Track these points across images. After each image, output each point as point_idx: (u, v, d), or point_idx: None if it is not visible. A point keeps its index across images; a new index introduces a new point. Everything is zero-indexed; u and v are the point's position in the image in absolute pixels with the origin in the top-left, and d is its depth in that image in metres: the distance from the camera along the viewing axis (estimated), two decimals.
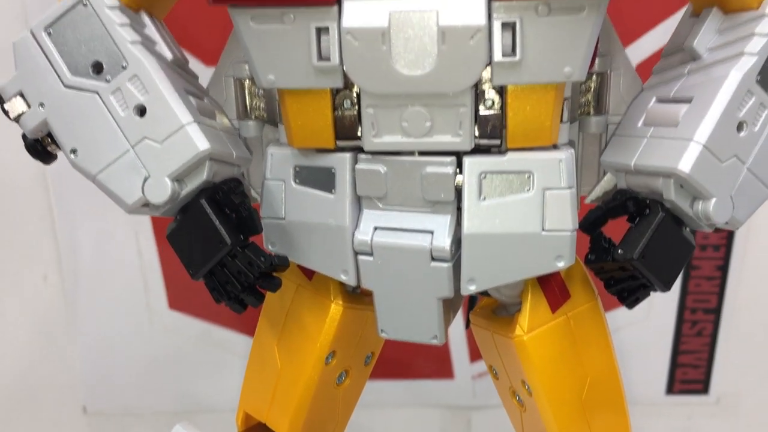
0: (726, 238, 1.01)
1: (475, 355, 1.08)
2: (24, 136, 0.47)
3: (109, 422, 1.07)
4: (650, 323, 1.03)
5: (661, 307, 1.03)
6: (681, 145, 0.41)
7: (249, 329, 1.07)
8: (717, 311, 1.03)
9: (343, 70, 0.42)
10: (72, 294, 1.04)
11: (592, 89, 0.49)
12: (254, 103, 0.50)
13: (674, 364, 1.06)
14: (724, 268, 1.00)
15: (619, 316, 1.02)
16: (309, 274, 0.51)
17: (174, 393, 1.08)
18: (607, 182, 0.48)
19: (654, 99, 0.46)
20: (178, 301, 1.05)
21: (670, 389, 1.07)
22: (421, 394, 1.09)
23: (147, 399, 1.08)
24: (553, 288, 0.47)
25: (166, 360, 1.06)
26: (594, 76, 0.48)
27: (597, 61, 0.48)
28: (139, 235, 1.03)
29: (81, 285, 1.03)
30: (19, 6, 0.91)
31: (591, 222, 0.46)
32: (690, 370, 1.06)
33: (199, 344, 1.06)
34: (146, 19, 0.46)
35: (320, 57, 0.41)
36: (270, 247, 0.49)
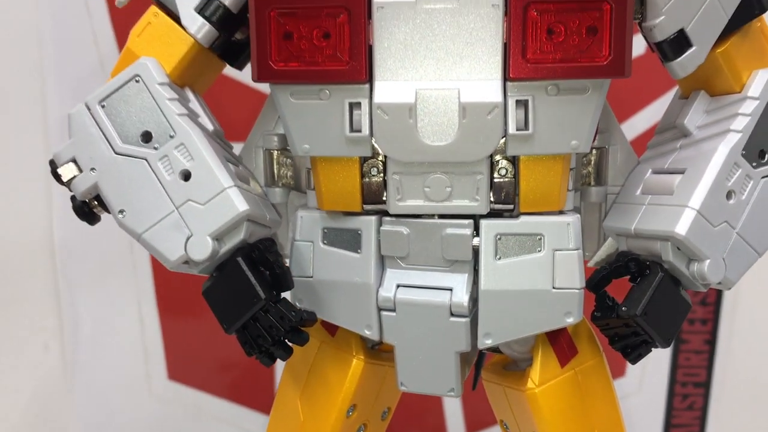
0: (713, 313, 1.02)
1: (473, 425, 1.07)
2: (73, 198, 0.50)
3: None
4: (643, 396, 1.05)
5: (652, 380, 1.04)
6: (677, 211, 0.45)
7: (245, 401, 1.07)
8: (707, 385, 1.05)
9: (373, 141, 0.46)
10: (72, 363, 1.04)
11: (592, 162, 0.53)
12: (282, 171, 0.54)
13: None
14: (712, 342, 1.03)
15: (616, 388, 1.10)
16: (332, 330, 0.54)
17: None
18: (608, 247, 0.52)
19: (650, 170, 0.50)
20: (177, 371, 1.05)
21: None
22: None
23: None
24: (561, 344, 0.50)
25: (163, 430, 1.06)
26: (594, 151, 0.53)
27: (597, 137, 0.51)
28: (141, 305, 1.04)
29: (81, 354, 1.04)
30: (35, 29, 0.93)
31: (596, 282, 0.49)
32: None
33: (197, 415, 1.06)
34: (190, 94, 0.50)
35: (352, 129, 0.45)
36: (298, 303, 0.52)
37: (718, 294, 1.02)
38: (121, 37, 0.92)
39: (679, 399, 1.06)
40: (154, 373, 1.05)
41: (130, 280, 1.03)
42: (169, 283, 1.04)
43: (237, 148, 0.57)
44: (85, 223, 0.98)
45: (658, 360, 1.04)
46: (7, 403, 1.05)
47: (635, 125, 0.92)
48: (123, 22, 0.95)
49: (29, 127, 0.97)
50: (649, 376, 1.04)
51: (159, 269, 1.03)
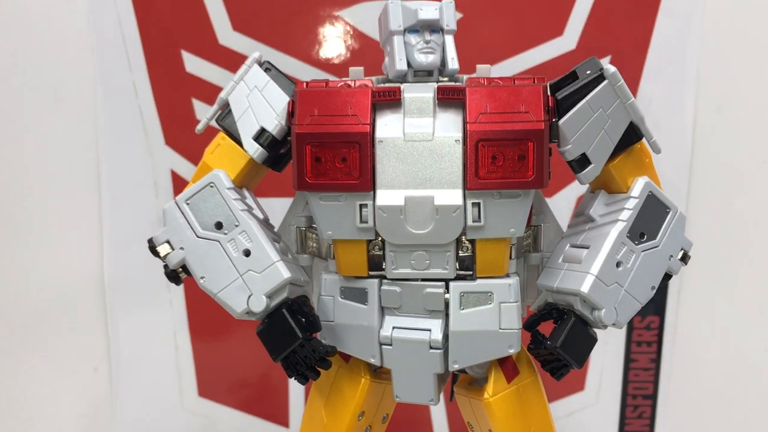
0: (657, 336, 1.13)
1: (456, 430, 1.18)
2: (165, 267, 0.62)
3: None
4: (599, 407, 1.16)
5: (607, 394, 1.16)
6: (583, 276, 0.59)
7: (262, 413, 1.17)
8: (653, 397, 1.16)
9: (375, 229, 0.59)
10: (117, 382, 1.13)
11: (531, 236, 0.65)
12: (308, 243, 0.66)
13: None
14: (657, 361, 1.15)
15: (575, 401, 1.16)
16: (347, 358, 0.65)
17: None
18: (543, 296, 0.65)
19: (568, 244, 0.63)
20: (207, 389, 1.15)
21: None
22: None
23: None
24: (508, 366, 0.63)
25: None
26: (533, 228, 0.65)
27: (534, 218, 0.65)
28: (176, 333, 1.13)
29: (124, 375, 1.13)
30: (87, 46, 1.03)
31: (530, 323, 0.62)
32: None
33: (225, 427, 1.16)
34: (246, 193, 0.63)
35: (361, 221, 0.58)
36: (323, 340, 0.63)
37: (661, 322, 1.13)
38: (156, 89, 1.05)
39: (631, 409, 1.17)
40: (186, 390, 1.15)
41: (167, 311, 1.12)
42: (199, 314, 1.12)
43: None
44: (129, 263, 1.12)
45: (612, 377, 1.16)
46: (63, 417, 1.15)
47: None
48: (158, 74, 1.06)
49: (83, 173, 1.06)
50: (605, 390, 1.17)
51: (191, 303, 1.12)
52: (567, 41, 1.07)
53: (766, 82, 1.09)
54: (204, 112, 1.04)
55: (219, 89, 0.99)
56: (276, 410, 1.17)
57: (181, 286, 1.08)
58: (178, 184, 1.10)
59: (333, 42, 1.06)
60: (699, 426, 1.18)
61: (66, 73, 1.04)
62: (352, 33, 1.06)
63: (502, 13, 1.05)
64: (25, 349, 1.12)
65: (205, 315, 1.13)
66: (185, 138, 1.08)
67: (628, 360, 1.15)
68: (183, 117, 1.07)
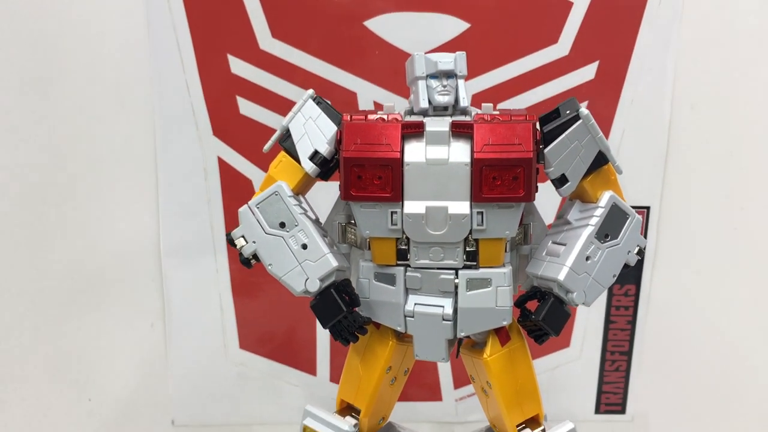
0: (633, 303, 1.27)
1: (457, 383, 1.30)
2: (240, 255, 0.74)
3: None
4: (581, 362, 1.30)
5: (589, 350, 1.30)
6: (560, 266, 0.71)
7: (297, 364, 1.29)
8: (629, 353, 1.31)
9: (403, 230, 0.71)
10: (170, 337, 1.25)
11: (522, 232, 0.77)
12: (348, 236, 0.77)
13: (600, 391, 1.32)
14: (632, 323, 1.29)
15: (562, 355, 1.30)
16: (378, 326, 0.77)
17: (243, 411, 1.29)
18: (530, 280, 0.76)
19: (550, 241, 0.74)
20: (246, 342, 1.27)
21: (597, 410, 1.32)
22: (417, 412, 1.29)
23: (221, 414, 1.29)
24: (502, 334, 0.75)
25: (236, 386, 1.28)
26: (524, 226, 0.76)
27: (524, 218, 0.77)
28: (221, 295, 1.25)
29: (176, 330, 1.25)
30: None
31: (520, 301, 0.74)
32: (611, 396, 1.32)
33: (262, 375, 1.28)
34: (302, 198, 0.75)
35: (392, 224, 0.71)
36: (361, 312, 0.74)
37: (637, 290, 1.27)
38: (205, 87, 1.16)
39: (609, 363, 1.31)
40: (229, 343, 1.27)
41: (213, 276, 1.23)
42: (241, 278, 1.23)
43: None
44: (182, 232, 1.24)
45: (594, 336, 1.30)
46: (123, 367, 1.27)
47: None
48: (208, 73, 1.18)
49: (143, 159, 1.17)
50: (587, 347, 1.31)
51: (234, 269, 1.24)
52: (561, 48, 1.20)
53: (733, 84, 1.21)
54: (246, 108, 1.20)
55: (260, 88, 1.16)
56: (305, 360, 1.29)
57: (225, 255, 1.22)
58: (224, 168, 1.22)
59: (358, 48, 1.17)
60: (666, 377, 1.30)
61: (129, 74, 1.15)
62: (375, 41, 1.17)
63: (504, 23, 1.17)
64: (90, 308, 1.23)
65: (245, 280, 1.23)
66: (230, 130, 1.20)
67: (608, 321, 1.29)
68: (228, 111, 1.19)
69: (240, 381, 1.28)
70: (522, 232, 0.78)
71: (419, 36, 1.17)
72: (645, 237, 1.24)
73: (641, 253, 0.78)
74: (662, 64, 1.20)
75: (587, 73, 1.20)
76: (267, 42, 1.17)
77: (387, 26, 1.17)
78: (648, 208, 1.26)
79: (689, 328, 1.31)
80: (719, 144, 1.24)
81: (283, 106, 1.18)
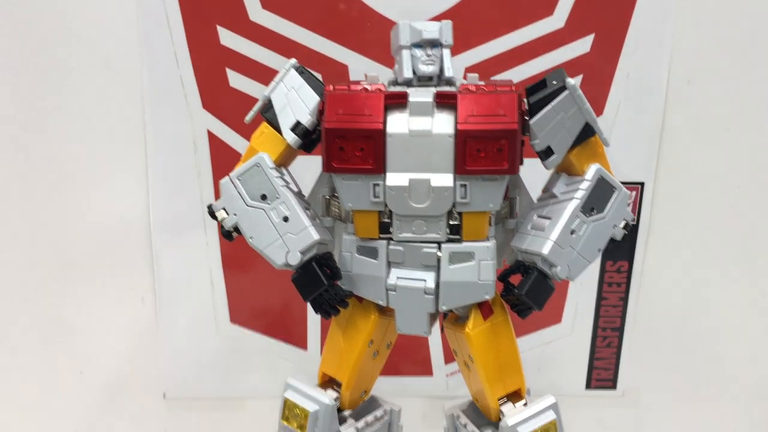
0: (626, 279, 1.27)
1: (448, 358, 1.30)
2: (221, 228, 0.73)
3: (183, 405, 1.30)
4: (574, 338, 1.31)
5: (581, 326, 1.31)
6: (544, 240, 0.71)
7: (289, 338, 1.29)
8: (621, 330, 1.31)
9: (385, 203, 0.70)
10: (160, 311, 1.25)
11: (508, 206, 0.76)
12: (332, 209, 0.77)
13: (591, 367, 1.33)
14: (624, 300, 1.29)
15: (553, 331, 1.30)
16: (360, 300, 0.77)
17: (233, 384, 1.30)
18: (515, 254, 0.75)
19: (536, 215, 0.74)
20: (237, 317, 1.27)
21: (589, 385, 1.33)
22: (408, 387, 1.30)
23: (212, 388, 1.30)
24: (485, 308, 0.75)
25: (227, 360, 1.28)
26: (509, 199, 0.76)
27: (510, 191, 0.77)
28: (211, 270, 1.25)
29: (167, 305, 1.25)
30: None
31: (503, 275, 0.74)
32: (602, 371, 1.33)
33: (252, 349, 1.28)
34: (284, 170, 0.75)
35: (375, 196, 0.70)
36: (343, 286, 0.74)
37: (630, 267, 1.27)
38: (195, 59, 1.15)
39: (601, 339, 1.32)
40: (220, 318, 1.27)
41: (203, 251, 1.23)
42: (231, 254, 1.23)
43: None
44: (172, 206, 1.23)
45: (586, 312, 1.30)
46: (115, 341, 1.28)
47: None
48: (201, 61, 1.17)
49: (132, 132, 1.16)
50: (578, 323, 1.31)
51: (224, 244, 1.23)
52: (556, 20, 1.18)
53: (732, 59, 1.20)
54: (236, 81, 1.19)
55: (250, 60, 1.14)
56: (296, 335, 1.29)
57: (215, 230, 1.21)
58: (214, 141, 1.21)
59: (349, 20, 1.16)
60: (658, 353, 1.32)
61: (117, 46, 1.14)
62: (367, 13, 1.15)
63: None
64: (82, 283, 1.24)
65: (236, 254, 1.23)
66: (220, 103, 1.19)
67: (600, 298, 1.29)
68: (218, 84, 1.17)
69: (231, 355, 1.29)
70: (508, 205, 0.78)
71: (411, 7, 1.16)
72: (638, 213, 1.26)
73: (627, 227, 0.77)
74: (659, 37, 1.18)
75: (583, 46, 1.19)
76: (257, 13, 1.16)
77: None
78: (642, 184, 1.26)
79: (682, 305, 1.31)
80: (716, 120, 1.23)
81: (273, 78, 1.16)
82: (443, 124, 0.70)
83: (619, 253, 1.30)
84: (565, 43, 1.19)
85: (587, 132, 0.72)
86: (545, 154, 0.72)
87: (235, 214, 0.74)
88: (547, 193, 0.76)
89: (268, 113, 0.75)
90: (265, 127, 0.75)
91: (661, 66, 1.20)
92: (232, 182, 0.74)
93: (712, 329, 1.32)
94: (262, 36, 1.16)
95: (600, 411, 1.33)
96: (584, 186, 0.73)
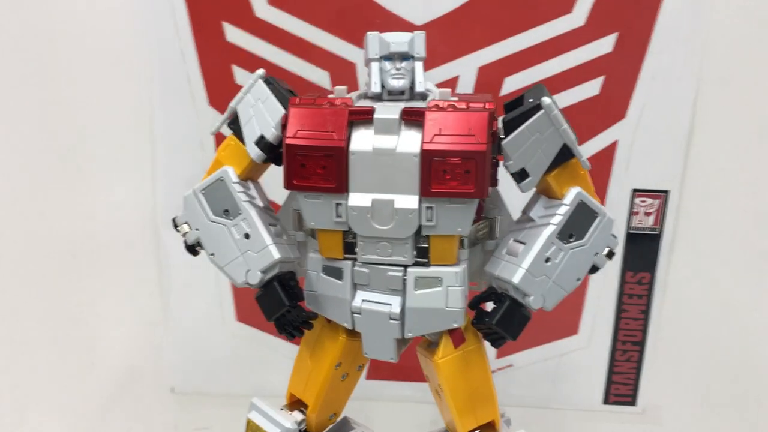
0: (647, 290, 1.22)
1: None
2: (185, 242, 0.73)
3: (190, 400, 1.30)
4: (591, 351, 1.26)
5: (598, 339, 1.26)
6: (516, 268, 0.68)
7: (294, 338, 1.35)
8: (641, 344, 1.26)
9: (348, 223, 0.68)
10: (168, 306, 1.25)
11: (487, 226, 0.74)
12: (303, 224, 0.74)
13: (609, 381, 1.28)
14: (646, 312, 1.24)
15: (569, 343, 1.26)
16: (328, 320, 0.75)
17: (237, 380, 1.29)
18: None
19: (512, 239, 0.71)
20: (243, 314, 1.27)
21: (606, 400, 1.29)
22: (399, 392, 1.29)
23: (218, 384, 1.30)
24: (456, 335, 0.72)
25: (233, 357, 1.28)
26: (488, 219, 0.74)
27: (490, 211, 0.74)
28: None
29: (175, 300, 1.25)
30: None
31: (473, 303, 0.72)
32: (621, 386, 1.28)
33: (257, 347, 1.27)
34: (250, 184, 0.73)
35: (337, 216, 0.67)
36: (308, 305, 0.73)
37: (652, 277, 1.21)
38: (201, 56, 1.14)
39: (620, 353, 1.27)
40: (227, 315, 1.27)
41: None
42: None
43: None
44: (179, 204, 1.23)
45: (604, 324, 1.25)
46: (122, 334, 1.31)
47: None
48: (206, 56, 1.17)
49: (139, 129, 1.17)
50: (596, 335, 1.26)
51: None
52: (576, 18, 1.12)
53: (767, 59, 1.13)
54: (242, 78, 1.17)
55: (255, 57, 1.12)
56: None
57: None
58: (220, 138, 1.20)
59: (357, 17, 1.12)
60: (682, 370, 1.28)
61: (123, 42, 1.15)
62: (376, 10, 1.12)
63: None
64: (91, 277, 1.27)
65: None
66: (225, 99, 1.13)
67: (620, 310, 1.24)
68: (224, 81, 1.16)
69: (237, 352, 1.29)
70: (487, 225, 0.76)
71: (422, 4, 1.11)
72: (662, 223, 1.19)
73: (611, 255, 0.72)
74: (689, 36, 1.10)
75: (605, 45, 1.13)
76: (263, 9, 1.13)
77: None
78: (667, 192, 1.19)
79: (708, 319, 1.27)
80: (749, 124, 1.17)
81: (279, 75, 1.13)
82: (409, 142, 0.66)
83: (640, 264, 1.24)
84: (585, 43, 1.13)
85: (566, 154, 0.68)
86: (519, 176, 0.68)
87: (197, 229, 0.73)
88: (525, 215, 0.73)
89: (234, 125, 0.73)
90: (231, 139, 0.74)
91: (691, 66, 1.13)
92: (196, 196, 0.72)
93: (740, 345, 1.26)
94: (268, 32, 1.14)
95: (618, 427, 1.28)
96: (562, 211, 0.69)
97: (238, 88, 1.13)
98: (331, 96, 0.71)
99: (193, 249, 0.74)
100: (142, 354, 1.30)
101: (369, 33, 0.70)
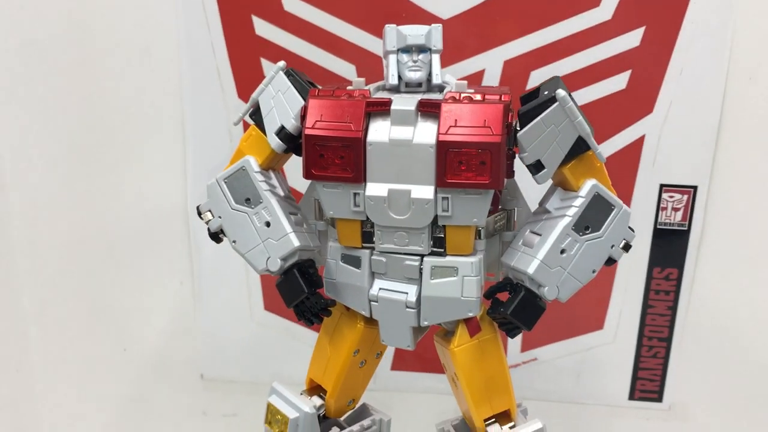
0: (675, 287, 1.21)
1: None
2: (208, 230, 0.75)
3: (219, 386, 1.32)
4: (616, 346, 1.25)
5: (624, 334, 1.24)
6: (531, 259, 0.69)
7: (319, 328, 1.32)
8: (668, 340, 1.25)
9: (366, 212, 0.69)
10: (198, 295, 1.27)
11: (504, 218, 0.75)
12: (323, 213, 0.74)
13: (635, 377, 1.26)
14: (673, 309, 1.23)
15: (595, 338, 1.25)
16: (347, 308, 0.77)
17: (264, 367, 1.30)
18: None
19: (528, 230, 0.72)
20: (271, 304, 1.28)
21: (632, 396, 1.27)
22: (417, 383, 1.29)
23: (245, 371, 1.31)
24: (471, 324, 0.73)
25: (260, 345, 1.29)
26: (506, 211, 0.75)
27: (508, 203, 0.75)
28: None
29: (205, 289, 1.27)
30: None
31: (489, 293, 0.72)
32: (647, 382, 1.27)
33: (284, 336, 1.28)
34: (271, 174, 0.74)
35: (355, 205, 0.69)
36: (327, 293, 0.75)
37: (679, 274, 1.21)
38: (230, 49, 1.17)
39: (646, 349, 1.25)
40: (255, 304, 1.27)
41: None
42: None
43: None
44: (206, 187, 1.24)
45: (630, 320, 1.24)
46: (153, 322, 1.31)
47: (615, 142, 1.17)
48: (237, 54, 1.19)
49: (171, 120, 1.19)
50: (622, 330, 1.25)
51: None
52: (603, 12, 1.12)
53: None
54: (270, 70, 1.18)
55: (283, 50, 1.14)
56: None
57: None
58: (246, 124, 1.24)
59: (384, 11, 1.13)
60: (709, 367, 1.26)
61: (156, 36, 1.17)
62: (402, 4, 1.13)
63: None
64: (124, 266, 1.29)
65: None
66: (253, 91, 1.22)
67: (646, 306, 1.23)
68: (252, 73, 1.18)
69: (264, 340, 1.31)
70: (504, 217, 0.76)
71: None
72: (690, 219, 1.19)
73: (627, 247, 0.73)
74: (718, 29, 1.10)
75: (632, 39, 1.12)
76: (291, 3, 1.15)
77: None
78: (695, 187, 1.18)
79: (736, 316, 1.23)
80: None
81: (306, 68, 1.16)
82: (425, 133, 0.67)
83: (668, 259, 1.23)
84: (612, 37, 1.13)
85: (581, 146, 0.69)
86: (535, 168, 0.69)
87: (219, 217, 0.74)
88: (542, 207, 0.74)
89: (255, 116, 0.74)
90: (252, 129, 0.75)
91: (719, 61, 1.12)
92: (218, 185, 0.74)
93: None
94: (296, 26, 1.16)
95: (643, 424, 1.28)
96: (577, 203, 0.70)
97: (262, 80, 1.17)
98: (349, 88, 0.72)
99: (216, 236, 0.76)
100: (173, 341, 1.31)
101: (387, 26, 0.71)
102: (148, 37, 1.19)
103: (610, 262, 0.73)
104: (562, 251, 0.69)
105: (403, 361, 1.31)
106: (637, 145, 1.17)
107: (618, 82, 1.14)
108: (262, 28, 1.17)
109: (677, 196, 1.20)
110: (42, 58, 1.20)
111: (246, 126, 0.77)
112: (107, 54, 1.19)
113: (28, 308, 1.29)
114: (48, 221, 1.28)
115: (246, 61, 1.19)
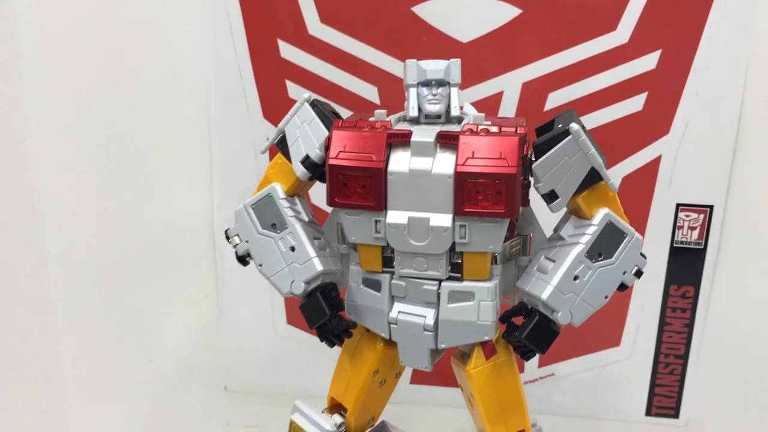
0: (691, 305, 1.22)
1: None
2: (236, 253, 0.77)
3: (242, 398, 1.34)
4: (633, 362, 1.26)
5: (641, 351, 1.25)
6: (545, 284, 0.71)
7: (340, 343, 1.35)
8: (685, 357, 1.25)
9: (386, 239, 0.72)
10: (223, 308, 1.29)
11: (520, 243, 0.77)
12: (345, 238, 0.76)
13: (651, 394, 1.27)
14: (690, 326, 1.24)
15: (611, 354, 1.26)
16: (367, 329, 0.79)
17: (286, 379, 1.33)
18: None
19: (543, 256, 0.73)
20: (293, 318, 1.29)
21: (649, 412, 1.28)
22: (435, 397, 1.31)
23: (268, 383, 1.33)
24: (487, 347, 0.75)
25: (282, 358, 1.31)
26: (522, 237, 0.77)
27: (524, 228, 0.77)
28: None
29: (229, 303, 1.29)
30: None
31: (504, 317, 0.74)
32: (664, 399, 1.28)
33: (305, 348, 1.29)
34: (296, 200, 0.77)
35: (376, 232, 0.71)
36: (349, 315, 0.76)
37: (696, 292, 1.22)
38: (257, 71, 1.19)
39: (663, 365, 1.26)
40: (278, 318, 1.30)
41: None
42: None
43: None
44: (234, 211, 1.29)
45: (647, 337, 1.25)
46: (179, 334, 1.33)
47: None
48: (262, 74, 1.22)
49: (198, 140, 1.22)
50: (639, 347, 1.26)
51: None
52: (620, 35, 1.14)
53: None
54: (295, 92, 1.22)
55: (308, 73, 1.18)
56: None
57: None
58: (273, 150, 1.26)
59: (405, 34, 1.16)
60: (726, 385, 1.27)
61: (185, 58, 1.20)
62: (423, 27, 1.15)
63: (558, 8, 1.12)
64: (152, 278, 1.32)
65: None
66: (279, 112, 1.16)
67: (663, 323, 1.24)
68: (278, 95, 1.21)
69: (286, 353, 1.33)
70: (520, 242, 0.78)
71: (468, 22, 1.15)
72: (706, 238, 1.20)
73: (639, 273, 0.75)
74: (734, 53, 1.11)
75: (648, 62, 1.14)
76: (316, 27, 1.18)
77: (435, 12, 1.15)
78: (711, 206, 1.19)
79: (752, 334, 1.25)
80: None
81: (330, 90, 1.20)
82: (444, 164, 0.70)
83: (685, 277, 1.24)
84: (629, 60, 1.15)
85: (594, 177, 0.70)
86: (549, 197, 0.71)
87: (247, 241, 0.77)
88: (556, 234, 0.75)
89: (282, 145, 0.77)
90: (279, 157, 0.78)
91: (735, 84, 1.14)
92: (246, 210, 0.77)
93: None
94: (320, 49, 1.19)
95: None
96: (590, 231, 0.72)
97: (291, 102, 1.19)
98: (371, 119, 0.76)
99: (243, 259, 0.78)
100: (198, 353, 1.33)
101: (408, 60, 0.74)
102: (179, 60, 1.23)
103: (623, 287, 0.75)
104: (576, 278, 0.71)
105: (422, 376, 1.33)
106: (654, 165, 1.19)
107: (635, 103, 1.16)
108: (287, 51, 1.21)
109: (693, 215, 1.21)
110: (77, 81, 1.24)
111: (275, 148, 0.79)
112: (139, 76, 1.23)
113: (58, 320, 1.32)
114: (80, 236, 1.32)
115: (271, 83, 1.23)
